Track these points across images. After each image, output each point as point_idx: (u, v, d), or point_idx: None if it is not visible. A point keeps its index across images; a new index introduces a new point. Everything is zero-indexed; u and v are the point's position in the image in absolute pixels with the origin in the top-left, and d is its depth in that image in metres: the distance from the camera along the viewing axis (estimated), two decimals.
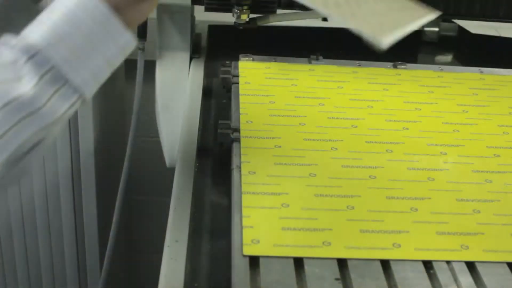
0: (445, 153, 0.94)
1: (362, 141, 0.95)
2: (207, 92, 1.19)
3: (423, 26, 1.54)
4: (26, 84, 0.57)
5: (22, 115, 0.56)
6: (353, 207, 0.79)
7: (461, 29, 1.54)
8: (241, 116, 0.99)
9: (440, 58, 1.50)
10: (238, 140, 0.92)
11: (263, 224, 0.75)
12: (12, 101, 0.56)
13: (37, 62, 0.58)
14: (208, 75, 1.26)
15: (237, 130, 0.95)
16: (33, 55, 0.58)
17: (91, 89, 0.62)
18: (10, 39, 0.60)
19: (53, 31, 0.59)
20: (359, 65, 1.26)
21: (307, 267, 0.69)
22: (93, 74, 0.62)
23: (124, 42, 0.64)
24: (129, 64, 1.09)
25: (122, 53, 0.64)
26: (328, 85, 1.15)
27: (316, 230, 0.75)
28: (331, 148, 0.93)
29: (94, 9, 0.61)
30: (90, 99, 0.63)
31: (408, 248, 0.73)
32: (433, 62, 1.45)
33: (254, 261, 0.70)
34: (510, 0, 1.35)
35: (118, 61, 0.64)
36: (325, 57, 1.27)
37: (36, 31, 0.60)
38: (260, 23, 1.27)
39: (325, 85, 1.15)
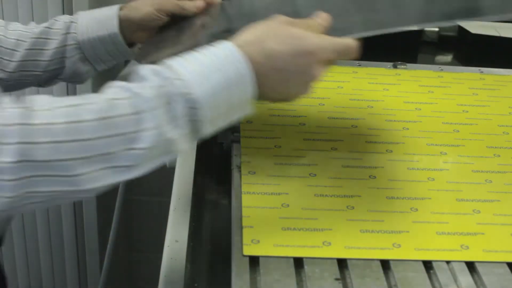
0: (445, 153, 0.94)
1: (362, 141, 0.95)
2: None
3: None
4: (176, 129, 0.62)
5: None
6: (353, 207, 0.79)
7: (461, 29, 1.54)
8: None
9: (440, 58, 1.50)
10: (238, 140, 0.92)
11: (263, 224, 0.75)
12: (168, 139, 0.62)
13: (191, 114, 0.62)
14: None
15: (237, 130, 0.95)
16: (192, 107, 0.62)
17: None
18: (163, 71, 0.63)
19: (212, 91, 0.63)
20: (359, 65, 1.26)
21: (307, 267, 0.69)
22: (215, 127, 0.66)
23: (248, 111, 0.67)
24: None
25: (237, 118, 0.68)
26: (328, 85, 1.15)
27: (316, 230, 0.75)
28: (331, 148, 0.93)
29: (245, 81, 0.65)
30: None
31: (408, 248, 0.73)
32: (433, 62, 1.45)
33: (254, 261, 0.70)
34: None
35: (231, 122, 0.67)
36: None
37: (197, 83, 0.63)
38: None
39: (325, 85, 1.15)
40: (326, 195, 0.82)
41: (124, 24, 0.97)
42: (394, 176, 0.87)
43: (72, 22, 0.99)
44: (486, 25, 1.49)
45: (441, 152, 0.94)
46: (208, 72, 0.63)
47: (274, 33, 0.67)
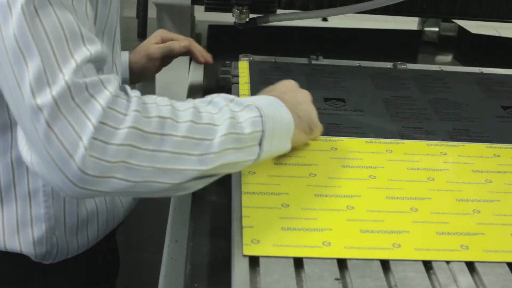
0: (445, 153, 0.94)
1: (362, 141, 0.95)
2: (206, 92, 1.18)
3: (423, 26, 1.54)
4: (247, 128, 0.74)
5: (238, 147, 0.73)
6: (353, 207, 0.79)
7: (461, 29, 1.54)
8: None
9: (440, 58, 1.50)
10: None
11: (263, 224, 0.75)
12: (238, 134, 0.73)
13: (259, 122, 0.75)
14: (208, 75, 1.26)
15: None
16: (258, 116, 0.75)
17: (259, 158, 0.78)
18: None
19: (268, 108, 0.78)
20: (359, 65, 1.27)
21: (307, 267, 0.69)
22: (269, 151, 0.79)
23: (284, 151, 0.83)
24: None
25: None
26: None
27: (316, 230, 0.75)
28: (331, 148, 0.93)
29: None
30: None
31: (408, 248, 0.73)
32: (433, 62, 1.46)
33: (254, 261, 0.70)
34: (510, 0, 1.35)
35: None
36: (325, 57, 1.27)
37: (258, 101, 0.78)
38: (260, 23, 1.27)
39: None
40: (326, 195, 0.82)
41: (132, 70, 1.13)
42: (394, 176, 0.87)
43: None
44: (486, 25, 1.49)
45: (441, 152, 0.94)
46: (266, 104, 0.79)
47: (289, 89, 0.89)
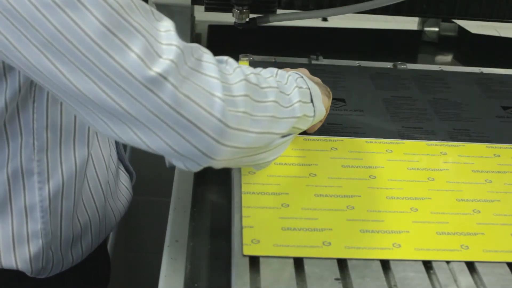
0: (445, 153, 0.94)
1: (362, 141, 0.95)
2: None
3: (423, 26, 1.54)
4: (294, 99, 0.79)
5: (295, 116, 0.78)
6: (353, 207, 0.79)
7: (461, 29, 1.54)
8: None
9: (440, 58, 1.50)
10: None
11: (263, 224, 0.75)
12: (291, 105, 0.78)
13: (305, 93, 0.81)
14: None
15: None
16: (305, 87, 0.82)
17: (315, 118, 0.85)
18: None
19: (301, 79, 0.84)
20: (359, 65, 1.26)
21: (307, 267, 0.69)
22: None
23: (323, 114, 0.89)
24: None
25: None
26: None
27: (316, 230, 0.75)
28: (331, 148, 0.93)
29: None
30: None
31: (408, 248, 0.73)
32: (433, 62, 1.46)
33: (254, 261, 0.70)
34: (510, 0, 1.35)
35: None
36: (325, 57, 1.27)
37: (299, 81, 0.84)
38: (260, 23, 1.27)
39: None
40: (326, 195, 0.82)
41: None
42: (394, 176, 0.87)
43: None
44: (486, 25, 1.49)
45: (441, 152, 0.94)
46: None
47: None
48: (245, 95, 0.69)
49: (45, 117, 0.78)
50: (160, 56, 0.62)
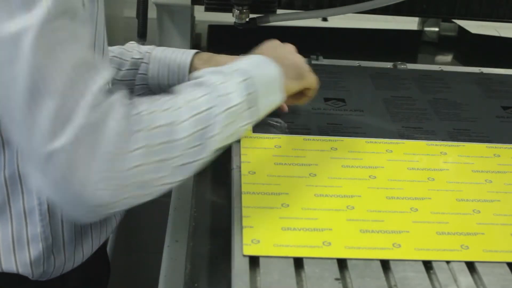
0: (445, 153, 0.94)
1: (362, 141, 0.95)
2: None
3: (423, 26, 1.54)
4: (237, 98, 0.76)
5: (234, 119, 0.76)
6: (353, 207, 0.79)
7: (461, 29, 1.54)
8: None
9: (440, 58, 1.50)
10: (238, 140, 0.92)
11: (263, 224, 0.75)
12: (231, 107, 0.75)
13: (248, 85, 0.78)
14: None
15: None
16: (246, 79, 0.78)
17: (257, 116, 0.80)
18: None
19: (254, 67, 0.82)
20: (359, 65, 1.26)
21: (307, 267, 0.69)
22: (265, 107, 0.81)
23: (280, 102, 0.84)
24: None
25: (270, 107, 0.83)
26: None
27: (316, 230, 0.75)
28: (331, 148, 0.93)
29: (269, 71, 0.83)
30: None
31: (408, 248, 0.73)
32: (433, 62, 1.46)
33: (254, 261, 0.70)
34: (510, 0, 1.35)
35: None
36: (325, 57, 1.27)
37: (243, 64, 0.82)
38: (260, 23, 1.27)
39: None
40: (326, 195, 0.82)
41: None
42: (394, 176, 0.87)
43: (142, 61, 1.03)
44: (486, 25, 1.49)
45: (441, 152, 0.94)
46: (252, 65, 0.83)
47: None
48: (139, 165, 0.67)
49: None
50: (66, 127, 0.63)
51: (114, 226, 0.94)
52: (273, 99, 0.83)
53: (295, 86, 0.89)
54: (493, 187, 0.86)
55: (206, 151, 0.73)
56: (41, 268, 0.84)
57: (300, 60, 0.91)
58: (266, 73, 0.82)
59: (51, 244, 0.83)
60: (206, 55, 1.04)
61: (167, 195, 0.97)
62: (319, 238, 0.73)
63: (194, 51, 1.04)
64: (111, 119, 0.66)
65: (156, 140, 0.68)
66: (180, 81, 1.01)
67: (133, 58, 1.03)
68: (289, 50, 0.93)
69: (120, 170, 0.66)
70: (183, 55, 1.02)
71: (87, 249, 0.89)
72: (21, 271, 0.83)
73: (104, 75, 0.67)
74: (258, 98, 0.79)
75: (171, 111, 0.71)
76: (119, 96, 0.68)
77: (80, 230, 0.87)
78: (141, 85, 1.03)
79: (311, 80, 0.91)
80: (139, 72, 1.03)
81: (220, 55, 1.03)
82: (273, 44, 0.94)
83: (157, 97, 0.73)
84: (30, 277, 0.84)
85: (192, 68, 1.01)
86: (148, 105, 0.70)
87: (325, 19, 1.69)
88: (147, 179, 0.68)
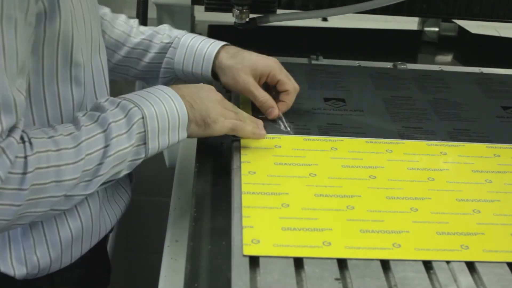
0: (445, 153, 0.94)
1: (362, 141, 0.95)
2: None
3: (423, 26, 1.54)
4: (128, 140, 0.80)
5: (124, 158, 0.80)
6: (353, 207, 0.79)
7: (461, 29, 1.54)
8: None
9: (440, 58, 1.50)
10: (238, 140, 0.92)
11: (263, 224, 0.75)
12: (121, 150, 0.79)
13: (139, 125, 0.81)
14: None
15: None
16: (140, 118, 0.80)
17: (149, 153, 0.83)
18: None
19: (155, 103, 0.83)
20: (359, 65, 1.27)
21: (307, 267, 0.69)
22: (161, 144, 0.83)
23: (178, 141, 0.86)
24: None
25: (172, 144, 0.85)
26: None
27: (316, 230, 0.75)
28: (331, 148, 0.93)
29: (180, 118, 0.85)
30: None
31: (408, 248, 0.73)
32: (433, 62, 1.46)
33: (254, 261, 0.70)
34: (510, 0, 1.35)
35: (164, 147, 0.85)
36: (325, 57, 1.27)
37: (143, 100, 0.83)
38: (260, 23, 1.27)
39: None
40: (326, 195, 0.82)
41: (219, 71, 1.03)
42: (394, 176, 0.87)
43: (171, 46, 1.05)
44: (486, 25, 1.49)
45: (441, 152, 0.94)
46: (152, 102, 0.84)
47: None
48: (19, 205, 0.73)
49: (31, 116, 0.79)
50: None
51: (108, 228, 0.93)
52: (172, 138, 0.84)
53: (198, 132, 0.88)
54: (493, 187, 0.86)
55: (91, 188, 0.78)
56: (24, 269, 0.83)
57: (215, 110, 0.88)
58: (164, 113, 0.83)
59: (32, 245, 0.83)
60: (233, 49, 1.04)
61: (167, 195, 0.97)
62: (319, 238, 0.73)
63: (222, 43, 1.04)
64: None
65: (45, 179, 0.73)
66: (203, 71, 1.02)
67: (162, 42, 1.05)
68: (213, 97, 0.90)
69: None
70: (211, 46, 1.03)
71: (76, 252, 0.87)
72: (3, 269, 0.82)
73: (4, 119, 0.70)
74: (150, 137, 0.81)
75: (64, 152, 0.75)
76: (10, 141, 0.71)
77: (70, 234, 0.85)
78: (167, 68, 1.05)
79: (218, 131, 0.88)
80: (167, 55, 1.04)
81: (247, 51, 1.04)
82: (201, 87, 0.92)
83: (53, 131, 0.77)
84: (12, 276, 0.83)
85: (217, 60, 1.02)
86: (42, 145, 0.74)
87: (325, 19, 1.69)
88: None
